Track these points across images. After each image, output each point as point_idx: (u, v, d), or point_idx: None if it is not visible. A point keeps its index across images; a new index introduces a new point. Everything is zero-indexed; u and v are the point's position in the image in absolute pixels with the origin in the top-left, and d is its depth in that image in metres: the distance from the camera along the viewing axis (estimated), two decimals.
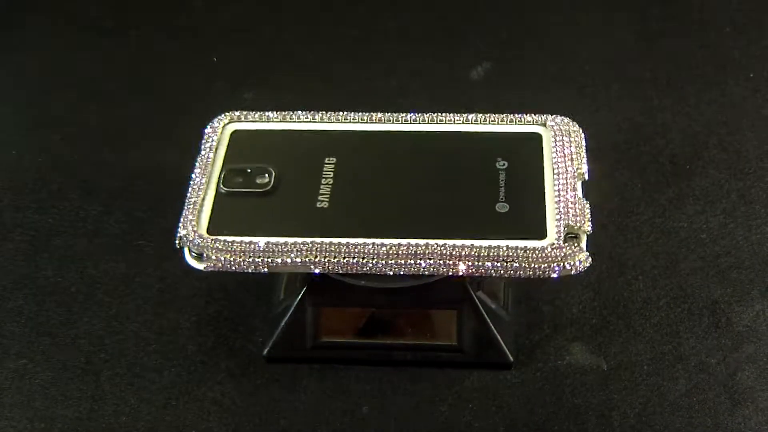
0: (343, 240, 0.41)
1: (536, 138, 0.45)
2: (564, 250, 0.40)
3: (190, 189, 0.43)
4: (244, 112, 0.47)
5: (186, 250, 0.42)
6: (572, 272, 0.40)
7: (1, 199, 0.57)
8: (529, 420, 0.46)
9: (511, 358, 0.48)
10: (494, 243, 0.40)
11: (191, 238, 0.41)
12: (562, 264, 0.40)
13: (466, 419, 0.47)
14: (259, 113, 0.46)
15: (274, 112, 0.46)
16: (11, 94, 0.66)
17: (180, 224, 0.42)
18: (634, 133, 0.60)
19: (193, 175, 0.44)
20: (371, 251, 0.41)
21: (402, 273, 0.41)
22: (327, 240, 0.41)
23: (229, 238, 0.41)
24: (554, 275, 0.40)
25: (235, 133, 0.46)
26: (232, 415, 0.47)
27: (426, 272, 0.41)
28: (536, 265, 0.40)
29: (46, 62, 0.67)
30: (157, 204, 0.56)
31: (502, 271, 0.40)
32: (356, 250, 0.41)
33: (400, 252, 0.40)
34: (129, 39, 0.68)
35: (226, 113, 0.47)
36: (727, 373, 0.48)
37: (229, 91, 0.64)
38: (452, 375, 0.48)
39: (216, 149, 0.45)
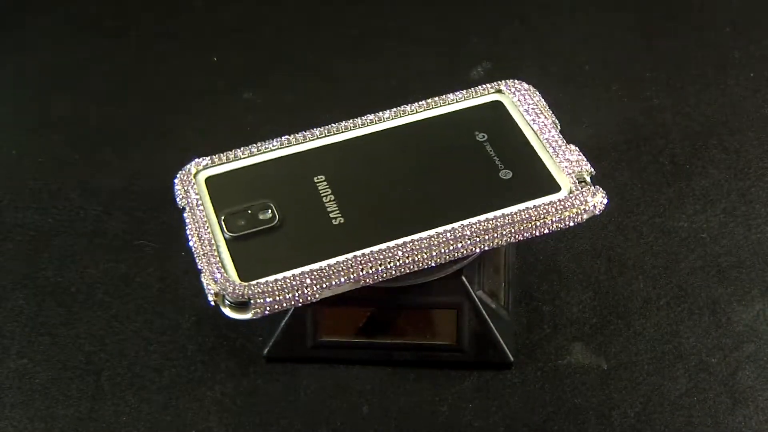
0: (382, 246, 0.40)
1: (499, 105, 0.47)
2: (583, 194, 0.42)
3: (194, 245, 0.41)
4: (211, 157, 0.45)
5: (224, 304, 0.40)
6: (597, 212, 0.42)
7: (1, 199, 0.57)
8: (529, 420, 0.46)
9: (511, 358, 0.48)
10: (521, 206, 0.42)
11: (229, 291, 0.39)
12: (585, 207, 0.42)
13: (466, 419, 0.47)
14: (225, 154, 0.45)
15: (241, 149, 0.45)
16: (11, 94, 0.66)
17: (207, 282, 0.40)
18: (634, 133, 0.60)
19: (189, 232, 0.42)
20: (415, 247, 0.40)
21: (447, 260, 0.41)
22: (366, 251, 0.40)
23: (270, 278, 0.39)
24: (583, 219, 0.42)
25: (209, 179, 0.44)
26: (232, 415, 0.47)
27: (469, 252, 0.41)
28: (566, 215, 0.42)
29: (46, 62, 0.67)
30: (157, 204, 0.56)
31: (536, 232, 0.41)
32: (400, 252, 0.40)
33: (443, 240, 0.40)
34: (129, 39, 0.68)
35: (193, 163, 0.45)
36: (727, 372, 0.48)
37: (229, 91, 0.64)
38: (452, 375, 0.48)
39: (198, 201, 0.43)
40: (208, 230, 0.41)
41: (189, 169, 0.44)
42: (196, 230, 0.42)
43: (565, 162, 0.43)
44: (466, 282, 0.46)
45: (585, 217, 0.42)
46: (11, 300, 0.52)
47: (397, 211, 0.42)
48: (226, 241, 0.41)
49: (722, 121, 0.60)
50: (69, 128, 0.62)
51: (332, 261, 0.40)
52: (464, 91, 0.47)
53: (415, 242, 0.40)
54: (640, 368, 0.48)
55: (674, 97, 0.62)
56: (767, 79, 0.63)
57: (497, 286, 0.49)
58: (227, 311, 0.40)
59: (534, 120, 0.45)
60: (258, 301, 0.39)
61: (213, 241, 0.41)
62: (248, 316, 0.39)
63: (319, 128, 0.45)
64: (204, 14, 0.70)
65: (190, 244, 0.41)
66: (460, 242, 0.41)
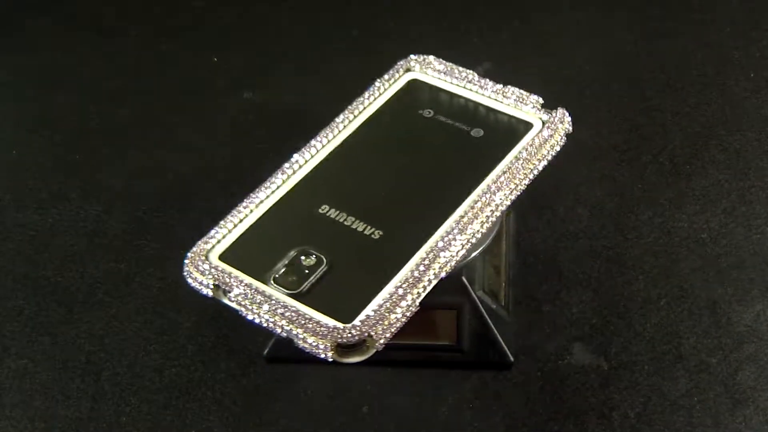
0: (437, 234, 0.40)
1: (417, 81, 0.48)
2: (553, 119, 0.45)
3: (267, 320, 0.38)
4: (211, 235, 0.41)
5: (341, 354, 0.37)
6: (570, 129, 0.45)
7: (2, 199, 0.57)
8: (529, 420, 0.46)
9: (511, 358, 0.48)
10: (515, 152, 0.43)
11: (346, 336, 0.37)
12: (562, 128, 0.44)
13: (466, 419, 0.47)
14: (222, 225, 0.42)
15: (233, 215, 0.42)
16: (11, 94, 0.66)
17: (316, 341, 0.37)
18: (634, 133, 0.60)
19: (247, 313, 0.38)
20: (464, 222, 0.40)
21: (490, 226, 0.41)
22: (429, 244, 0.40)
23: (368, 309, 0.38)
24: (564, 140, 0.44)
25: (223, 255, 0.41)
26: (232, 415, 0.47)
27: (499, 213, 0.42)
28: (552, 143, 0.44)
29: (46, 62, 0.67)
30: (157, 204, 0.56)
31: (536, 171, 0.43)
32: (456, 230, 0.40)
33: (478, 206, 0.41)
34: (129, 39, 0.68)
35: (197, 249, 0.41)
36: (727, 372, 0.48)
37: (229, 91, 0.64)
38: (452, 375, 0.48)
39: (233, 281, 0.39)
40: (270, 300, 0.38)
41: (198, 255, 0.40)
42: (255, 306, 0.38)
43: (516, 102, 0.46)
44: (466, 282, 0.46)
45: (564, 139, 0.44)
46: (11, 300, 0.52)
47: (419, 203, 0.42)
48: (296, 298, 0.38)
49: (722, 121, 0.60)
50: (69, 128, 0.62)
51: (407, 268, 0.39)
52: (378, 82, 0.47)
53: (462, 219, 0.40)
54: (640, 368, 0.48)
55: (674, 97, 0.62)
56: (767, 79, 0.63)
57: (497, 286, 0.49)
58: (347, 360, 0.37)
59: (459, 80, 0.47)
60: (374, 331, 0.37)
61: (286, 305, 0.38)
62: (370, 353, 0.37)
63: (287, 164, 0.44)
64: (204, 14, 0.70)
65: (259, 322, 0.38)
66: (493, 204, 0.41)
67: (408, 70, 0.48)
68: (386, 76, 0.48)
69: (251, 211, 0.42)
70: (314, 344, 0.37)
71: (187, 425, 0.47)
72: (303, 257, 0.40)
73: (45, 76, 0.66)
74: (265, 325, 0.38)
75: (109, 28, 0.69)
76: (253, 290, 0.38)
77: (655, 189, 0.56)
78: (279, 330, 0.37)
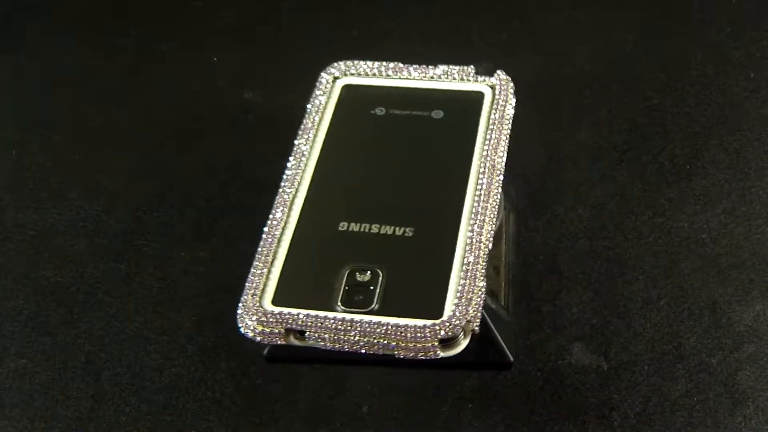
0: (468, 208, 0.41)
1: (355, 88, 0.48)
2: (500, 83, 0.47)
3: (361, 342, 0.37)
4: (251, 285, 0.40)
5: (443, 348, 0.37)
6: (513, 87, 0.46)
7: (1, 199, 0.57)
8: (529, 420, 0.46)
9: (511, 358, 0.48)
10: (484, 118, 0.45)
11: (448, 329, 0.37)
12: (509, 88, 0.46)
13: (466, 419, 0.47)
14: (258, 269, 0.40)
15: (257, 266, 0.40)
16: (11, 94, 0.65)
17: (424, 342, 0.37)
18: (634, 133, 0.60)
19: (337, 346, 0.37)
20: (484, 188, 0.41)
21: (501, 185, 0.42)
22: (470, 224, 0.40)
23: (453, 298, 0.38)
24: (514, 94, 0.46)
25: (275, 300, 0.39)
26: (232, 415, 0.47)
27: (503, 168, 0.43)
28: (508, 104, 0.46)
29: (46, 62, 0.67)
30: (157, 204, 0.56)
31: (506, 133, 0.45)
32: (480, 209, 0.41)
33: (486, 175, 0.42)
34: (129, 39, 0.68)
35: (250, 306, 0.39)
36: (727, 372, 0.48)
37: (229, 91, 0.64)
38: (452, 375, 0.48)
39: (309, 306, 0.38)
40: (352, 325, 0.37)
41: (252, 309, 0.39)
42: (340, 336, 0.37)
43: (454, 77, 0.47)
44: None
45: (514, 95, 0.46)
46: (11, 300, 0.52)
47: (427, 192, 0.43)
48: (374, 314, 0.38)
49: (722, 121, 0.60)
50: (69, 128, 0.62)
51: (458, 254, 0.39)
52: (315, 100, 0.47)
53: (479, 190, 0.42)
54: (640, 368, 0.48)
55: (674, 97, 0.62)
56: (767, 79, 0.63)
57: (497, 286, 0.49)
58: (451, 353, 0.37)
59: (389, 73, 0.48)
60: (469, 317, 0.37)
61: (372, 323, 0.37)
62: (467, 340, 0.38)
63: (283, 197, 0.42)
64: (204, 14, 0.70)
65: (349, 349, 0.37)
66: (492, 174, 0.42)
67: (336, 78, 0.48)
68: (318, 92, 0.47)
69: (276, 249, 0.41)
70: (419, 348, 0.37)
71: (187, 425, 0.47)
72: (357, 274, 0.39)
73: (45, 76, 0.66)
74: (357, 349, 0.37)
75: (109, 28, 0.69)
76: (329, 321, 0.37)
77: (655, 189, 0.56)
78: (376, 349, 0.37)
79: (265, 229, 0.41)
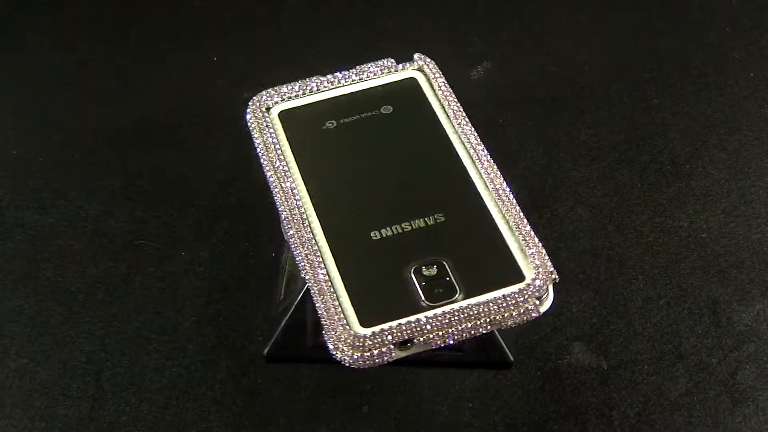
0: (484, 182, 0.42)
1: (291, 111, 0.46)
2: (426, 64, 0.47)
3: (456, 334, 0.37)
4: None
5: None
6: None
7: (1, 199, 0.57)
8: (529, 420, 0.46)
9: (511, 358, 0.48)
10: (435, 98, 0.46)
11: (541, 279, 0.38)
12: (437, 66, 0.47)
13: (466, 419, 0.47)
14: (329, 312, 0.38)
15: (323, 307, 0.38)
16: (11, 94, 0.65)
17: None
18: (634, 133, 0.60)
19: (450, 341, 0.37)
20: (486, 162, 0.42)
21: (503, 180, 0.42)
22: (503, 206, 0.41)
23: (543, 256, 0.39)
24: None
25: (361, 322, 0.37)
26: (232, 415, 0.47)
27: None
28: (443, 78, 0.47)
29: (46, 62, 0.67)
30: (157, 204, 0.56)
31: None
32: (501, 192, 0.41)
33: (477, 149, 0.43)
34: (129, 39, 0.68)
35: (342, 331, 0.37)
36: (727, 372, 0.48)
37: (229, 91, 0.64)
38: (452, 375, 0.48)
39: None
40: (453, 316, 0.37)
41: (347, 338, 0.37)
42: (450, 331, 0.37)
43: (379, 71, 0.47)
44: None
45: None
46: (11, 300, 0.52)
47: (430, 181, 0.43)
48: (464, 300, 0.37)
49: (722, 121, 0.60)
50: (69, 128, 0.62)
51: (501, 224, 0.40)
52: (259, 135, 0.45)
53: (481, 165, 0.42)
54: (640, 368, 0.48)
55: (674, 97, 0.62)
56: (767, 79, 0.63)
57: None
58: (544, 308, 0.38)
59: (318, 87, 0.47)
60: (552, 270, 0.38)
61: (469, 308, 0.37)
62: (552, 293, 0.38)
63: (299, 232, 0.41)
64: (204, 14, 0.70)
65: (458, 339, 0.37)
66: (474, 139, 0.43)
67: (268, 108, 0.46)
68: (254, 125, 0.45)
69: (326, 276, 0.39)
70: (523, 313, 0.37)
71: (187, 425, 0.47)
72: (424, 270, 0.39)
73: (45, 76, 0.66)
74: (464, 337, 0.37)
75: (109, 28, 0.69)
76: (431, 320, 0.37)
77: (655, 189, 0.56)
78: (481, 330, 0.37)
79: (303, 263, 0.39)
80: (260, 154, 0.44)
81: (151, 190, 0.57)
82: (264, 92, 0.46)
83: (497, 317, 0.37)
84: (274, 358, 0.49)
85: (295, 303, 0.47)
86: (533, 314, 0.37)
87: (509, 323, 0.37)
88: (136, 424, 0.47)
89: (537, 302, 0.37)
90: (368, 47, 0.67)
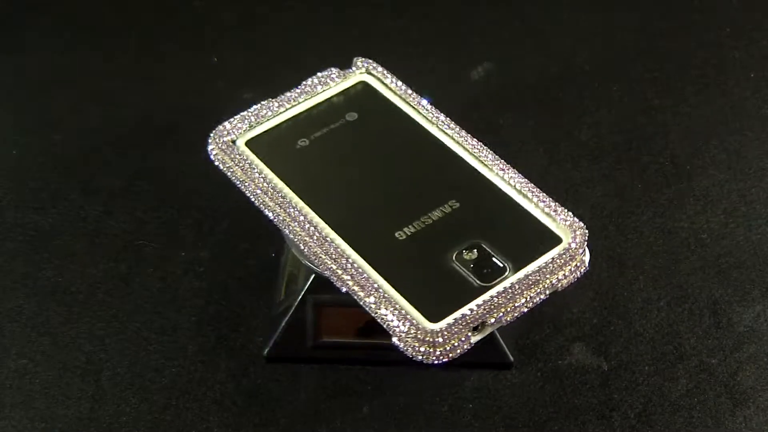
0: (487, 167, 0.42)
1: (259, 137, 0.46)
2: (372, 66, 0.49)
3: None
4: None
5: None
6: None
7: (1, 199, 0.57)
8: (529, 420, 0.46)
9: (511, 358, 0.48)
10: (397, 98, 0.47)
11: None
12: (375, 65, 0.49)
13: (466, 419, 0.47)
14: (402, 317, 0.38)
15: (390, 314, 0.38)
16: (11, 94, 0.65)
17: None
18: (634, 133, 0.60)
19: (518, 314, 0.38)
20: (480, 147, 0.43)
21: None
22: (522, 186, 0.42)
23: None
24: None
25: (430, 318, 0.38)
26: (232, 415, 0.47)
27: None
28: (391, 75, 0.48)
29: (46, 62, 0.67)
30: (157, 204, 0.56)
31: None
32: (514, 175, 0.42)
33: (468, 139, 0.44)
34: (129, 39, 0.68)
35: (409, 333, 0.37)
36: (728, 373, 0.48)
37: (229, 91, 0.64)
38: (452, 375, 0.48)
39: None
40: (508, 291, 0.38)
41: (424, 336, 0.37)
42: (517, 300, 0.38)
43: (330, 81, 0.47)
44: None
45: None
46: (11, 300, 0.52)
47: (432, 173, 0.43)
48: (513, 274, 0.38)
49: (722, 121, 0.60)
50: (69, 128, 0.62)
51: (521, 199, 0.41)
52: (236, 169, 0.45)
53: (471, 145, 0.43)
54: (640, 369, 0.48)
55: (674, 97, 0.62)
56: (767, 79, 0.63)
57: None
58: (587, 259, 0.40)
59: (274, 111, 0.47)
60: (586, 230, 0.40)
61: (520, 281, 0.38)
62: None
63: (326, 249, 0.40)
64: (204, 14, 0.70)
65: (528, 308, 0.38)
66: (450, 122, 0.45)
67: (233, 141, 0.45)
68: (227, 161, 0.44)
69: (373, 282, 0.39)
70: (574, 270, 0.39)
71: (187, 425, 0.47)
72: (465, 255, 0.39)
73: (45, 76, 0.66)
74: (528, 309, 0.38)
75: (109, 28, 0.69)
76: (494, 300, 0.37)
77: (655, 189, 0.56)
78: (541, 298, 0.38)
79: (343, 279, 0.39)
80: (246, 189, 0.43)
81: (151, 190, 0.57)
82: (220, 127, 0.46)
83: (552, 281, 0.38)
84: (274, 358, 0.49)
85: (295, 303, 0.47)
86: (582, 269, 0.39)
87: (564, 284, 0.39)
88: (135, 424, 0.47)
89: (583, 257, 0.39)
90: (368, 47, 0.67)
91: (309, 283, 0.46)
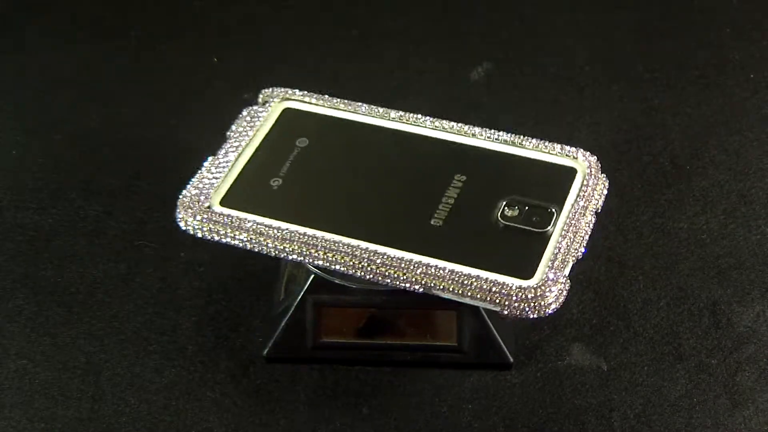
0: (483, 141, 0.45)
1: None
2: (276, 91, 0.49)
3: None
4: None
5: None
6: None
7: (1, 199, 0.57)
8: (529, 420, 0.46)
9: (511, 358, 0.48)
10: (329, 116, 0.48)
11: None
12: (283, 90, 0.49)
13: (466, 419, 0.47)
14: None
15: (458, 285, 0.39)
16: (11, 94, 0.66)
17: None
18: (634, 133, 0.60)
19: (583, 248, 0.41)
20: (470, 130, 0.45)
21: None
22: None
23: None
24: None
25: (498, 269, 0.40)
26: (232, 415, 0.47)
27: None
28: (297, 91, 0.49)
29: (46, 62, 0.67)
30: (157, 204, 0.56)
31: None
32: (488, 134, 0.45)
33: (451, 126, 0.45)
34: (129, 39, 0.68)
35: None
36: (727, 373, 0.48)
37: (229, 91, 0.64)
38: (452, 375, 0.48)
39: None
40: (570, 227, 0.41)
41: (522, 290, 0.39)
42: (580, 233, 0.41)
43: (260, 118, 0.47)
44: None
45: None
46: (11, 300, 0.52)
47: (422, 161, 0.44)
48: (561, 211, 0.41)
49: (722, 122, 0.60)
50: (69, 128, 0.62)
51: (534, 154, 0.44)
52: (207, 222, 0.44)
53: (466, 132, 0.45)
54: (639, 369, 0.48)
55: (674, 97, 0.62)
56: (767, 79, 0.63)
57: None
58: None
59: (221, 164, 0.46)
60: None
61: (570, 221, 0.41)
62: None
63: (355, 259, 0.41)
64: (204, 14, 0.70)
65: (586, 249, 0.41)
66: (410, 115, 0.46)
67: (209, 207, 0.44)
68: (211, 228, 0.43)
69: (458, 272, 0.39)
70: (603, 189, 0.43)
71: (187, 425, 0.47)
72: (507, 211, 0.41)
73: (45, 76, 0.66)
74: (589, 231, 0.41)
75: (109, 28, 0.69)
76: (563, 240, 0.40)
77: (655, 189, 0.56)
78: (592, 219, 0.41)
79: (427, 280, 0.40)
80: (248, 243, 0.42)
81: (151, 190, 0.57)
82: (185, 196, 0.44)
83: (593, 202, 0.42)
84: (274, 358, 0.49)
85: (295, 303, 0.47)
86: (607, 184, 0.43)
87: (601, 201, 0.42)
88: (135, 424, 0.47)
89: (603, 177, 0.43)
90: (368, 47, 0.67)
91: (309, 283, 0.46)
